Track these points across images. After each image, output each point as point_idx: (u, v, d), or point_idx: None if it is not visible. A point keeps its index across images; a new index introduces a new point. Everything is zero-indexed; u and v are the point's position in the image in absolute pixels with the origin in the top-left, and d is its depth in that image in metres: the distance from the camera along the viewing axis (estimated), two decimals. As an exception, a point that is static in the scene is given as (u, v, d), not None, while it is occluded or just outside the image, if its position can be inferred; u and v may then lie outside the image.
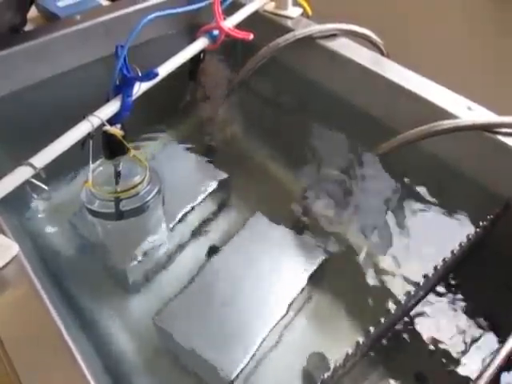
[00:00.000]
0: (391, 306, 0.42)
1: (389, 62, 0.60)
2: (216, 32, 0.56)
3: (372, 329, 0.39)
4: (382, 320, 0.40)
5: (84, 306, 0.53)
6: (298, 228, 0.58)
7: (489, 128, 0.48)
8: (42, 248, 0.57)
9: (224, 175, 0.62)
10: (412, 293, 0.43)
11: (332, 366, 0.38)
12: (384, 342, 0.48)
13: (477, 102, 0.52)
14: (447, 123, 0.49)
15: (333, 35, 0.63)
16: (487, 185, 0.50)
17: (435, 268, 0.43)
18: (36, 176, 0.42)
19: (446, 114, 0.51)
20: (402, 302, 0.42)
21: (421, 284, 0.43)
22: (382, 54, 0.64)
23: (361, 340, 0.39)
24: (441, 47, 0.83)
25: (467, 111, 0.51)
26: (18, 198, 0.57)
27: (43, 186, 0.42)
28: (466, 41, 0.83)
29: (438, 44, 0.83)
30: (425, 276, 0.43)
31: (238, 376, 0.43)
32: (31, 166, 0.40)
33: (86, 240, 0.55)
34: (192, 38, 0.58)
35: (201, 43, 0.55)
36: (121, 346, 0.51)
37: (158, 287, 0.56)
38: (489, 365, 0.33)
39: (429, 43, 0.85)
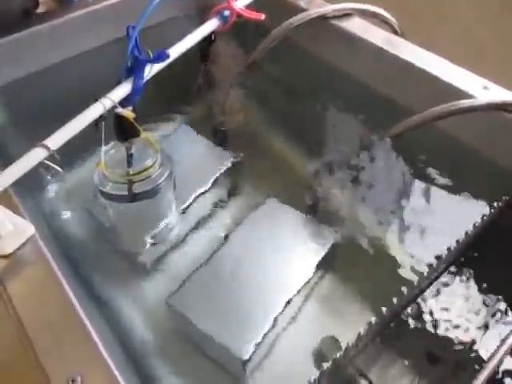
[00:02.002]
0: (404, 287, 0.42)
1: (403, 42, 0.59)
2: (227, 12, 0.55)
3: (384, 309, 0.40)
4: (395, 301, 0.40)
5: (98, 287, 0.54)
6: (310, 211, 0.58)
7: (505, 107, 0.48)
8: (56, 230, 0.58)
9: (235, 158, 0.61)
10: (425, 274, 0.43)
11: (344, 346, 0.38)
12: (396, 322, 0.48)
13: (492, 80, 0.51)
14: (463, 103, 0.48)
15: (346, 15, 0.62)
16: (503, 165, 0.49)
17: (448, 249, 0.43)
18: (51, 158, 0.42)
19: (462, 94, 0.50)
20: (415, 283, 0.42)
21: (434, 265, 0.43)
22: (396, 33, 0.63)
23: (373, 320, 0.39)
24: (455, 27, 0.81)
25: (483, 91, 0.50)
26: (33, 180, 0.58)
27: (58, 168, 0.43)
28: (480, 19, 0.81)
29: (452, 23, 0.82)
30: (438, 257, 0.43)
31: (250, 357, 0.44)
32: (45, 147, 0.41)
33: (100, 223, 0.56)
34: (203, 20, 0.57)
35: (212, 24, 0.55)
36: (134, 327, 0.51)
37: (170, 269, 0.56)
38: (500, 346, 0.33)
39: (442, 22, 0.83)
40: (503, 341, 0.34)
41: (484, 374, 0.31)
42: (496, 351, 0.33)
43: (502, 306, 0.49)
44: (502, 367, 0.34)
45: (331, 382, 0.42)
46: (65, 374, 0.32)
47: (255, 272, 0.50)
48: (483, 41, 0.80)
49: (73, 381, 0.31)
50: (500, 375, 0.34)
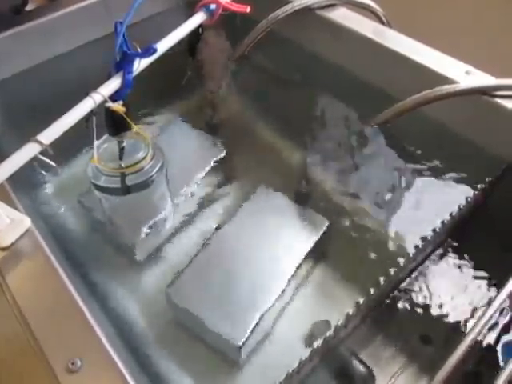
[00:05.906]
0: (391, 268, 0.43)
1: (388, 31, 0.60)
2: (213, 6, 0.56)
3: (372, 290, 0.41)
4: (381, 281, 0.41)
5: (95, 279, 0.54)
6: (302, 198, 0.59)
7: (487, 91, 0.49)
8: (51, 222, 0.58)
9: (227, 149, 0.62)
10: (411, 255, 0.44)
11: (333, 325, 0.39)
12: (387, 305, 0.49)
13: (476, 65, 0.52)
14: (445, 88, 0.49)
15: (331, 5, 0.63)
16: (486, 148, 0.50)
17: (434, 230, 0.44)
18: (44, 153, 0.43)
19: (445, 80, 0.51)
20: (402, 264, 0.43)
21: (420, 246, 0.44)
22: (382, 23, 0.64)
23: (361, 300, 0.40)
24: (439, 13, 0.82)
25: (465, 76, 0.51)
26: (28, 175, 0.59)
27: (51, 163, 0.43)
28: (463, 5, 0.82)
29: (437, 10, 0.83)
30: (424, 238, 0.44)
31: (245, 342, 0.45)
32: (38, 142, 0.41)
33: (95, 215, 0.56)
34: (190, 14, 0.58)
35: (198, 18, 0.56)
36: (131, 315, 0.52)
37: (165, 260, 0.57)
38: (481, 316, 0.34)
39: (427, 9, 0.84)
40: (483, 313, 0.35)
41: (462, 348, 0.33)
42: (475, 324, 0.34)
43: (488, 284, 0.50)
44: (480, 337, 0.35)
45: (324, 362, 0.43)
46: (65, 359, 0.33)
47: (249, 260, 0.51)
48: (468, 28, 0.81)
49: (73, 364, 0.32)
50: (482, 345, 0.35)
